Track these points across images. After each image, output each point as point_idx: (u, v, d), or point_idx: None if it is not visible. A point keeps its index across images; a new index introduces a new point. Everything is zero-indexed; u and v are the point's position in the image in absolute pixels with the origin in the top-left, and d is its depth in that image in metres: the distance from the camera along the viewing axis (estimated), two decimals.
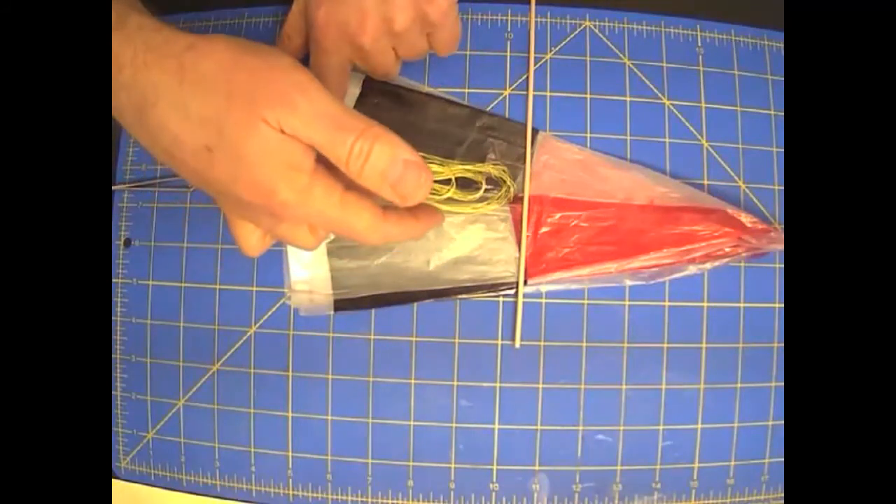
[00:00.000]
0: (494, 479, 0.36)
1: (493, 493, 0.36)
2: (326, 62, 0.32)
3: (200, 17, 0.40)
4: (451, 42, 0.33)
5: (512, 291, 0.36)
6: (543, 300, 0.36)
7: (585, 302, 0.36)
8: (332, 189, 0.25)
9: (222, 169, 0.24)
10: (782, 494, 0.36)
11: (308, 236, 0.28)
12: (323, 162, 0.25)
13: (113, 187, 0.39)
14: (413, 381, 0.36)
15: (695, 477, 0.36)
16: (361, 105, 0.37)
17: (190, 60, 0.24)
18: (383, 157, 0.24)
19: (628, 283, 0.36)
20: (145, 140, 0.26)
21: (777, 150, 0.37)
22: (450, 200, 0.35)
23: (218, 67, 0.24)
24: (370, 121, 0.25)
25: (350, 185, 0.26)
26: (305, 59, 0.33)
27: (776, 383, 0.36)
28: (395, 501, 0.36)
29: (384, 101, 0.37)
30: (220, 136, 0.24)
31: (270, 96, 0.23)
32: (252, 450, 0.37)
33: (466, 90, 0.37)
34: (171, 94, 0.23)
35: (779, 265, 0.37)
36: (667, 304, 0.36)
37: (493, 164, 0.36)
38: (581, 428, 0.36)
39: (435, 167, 0.36)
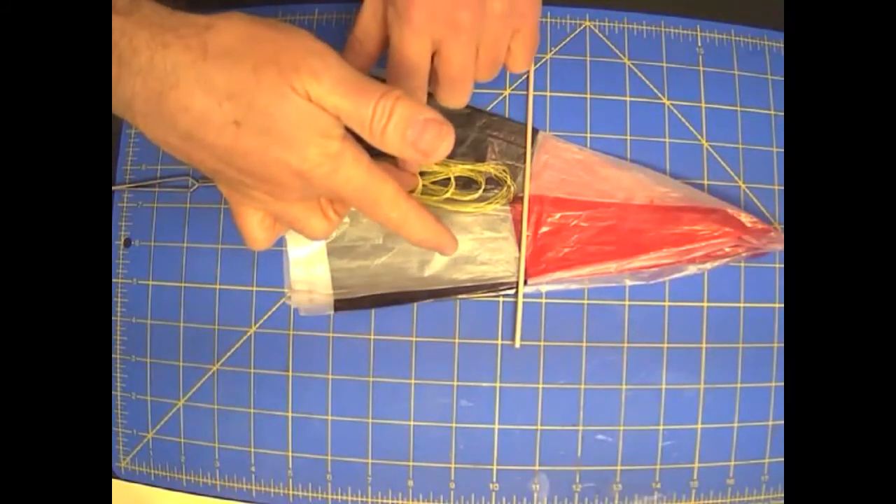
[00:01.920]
0: (494, 479, 0.36)
1: (493, 493, 0.36)
2: (410, 44, 0.29)
3: None
4: (531, 47, 0.32)
5: (512, 291, 0.36)
6: (543, 300, 0.36)
7: (585, 302, 0.36)
8: (361, 156, 0.26)
9: (250, 142, 0.24)
10: (782, 494, 0.36)
11: (320, 221, 0.29)
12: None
13: (113, 187, 0.39)
14: (413, 381, 0.36)
15: (695, 477, 0.36)
16: None
17: (212, 37, 0.24)
18: (404, 116, 0.25)
19: (628, 283, 0.36)
20: (159, 129, 0.25)
21: (777, 150, 0.37)
22: (450, 200, 0.36)
23: (240, 40, 0.24)
24: (388, 86, 0.25)
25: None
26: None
27: (776, 383, 0.36)
28: (395, 501, 0.36)
29: None
30: (250, 108, 0.23)
31: (294, 65, 0.24)
32: (252, 450, 0.37)
33: None
34: (195, 71, 0.23)
35: (779, 265, 0.37)
36: (667, 304, 0.36)
37: (494, 164, 0.36)
38: (581, 428, 0.36)
39: (435, 167, 0.36)
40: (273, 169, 0.25)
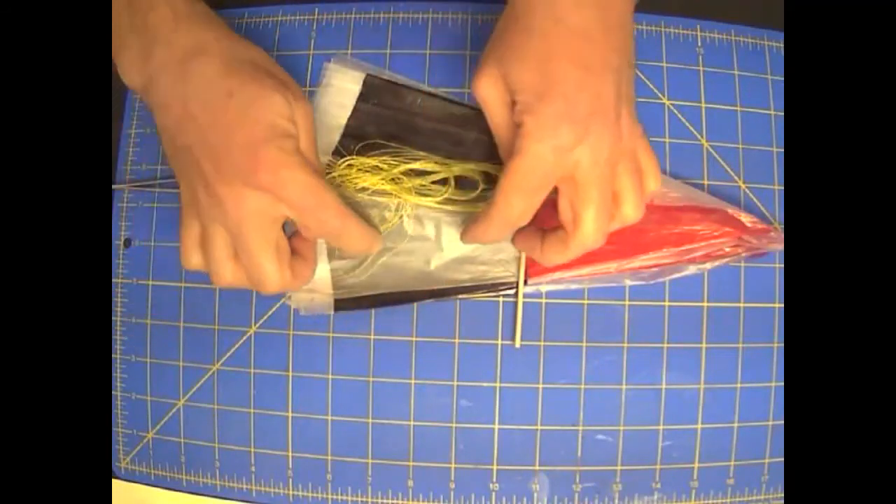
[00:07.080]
0: (494, 479, 0.36)
1: (493, 493, 0.36)
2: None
3: None
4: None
5: (512, 291, 0.36)
6: (543, 300, 0.36)
7: (585, 302, 0.36)
8: (310, 168, 0.28)
9: (234, 114, 0.27)
10: (782, 494, 0.36)
11: (273, 265, 0.29)
12: None
13: (113, 187, 0.39)
14: (413, 381, 0.36)
15: (695, 477, 0.36)
16: (362, 104, 0.37)
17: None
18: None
19: (628, 283, 0.36)
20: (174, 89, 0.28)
21: (777, 150, 0.37)
22: (449, 200, 0.36)
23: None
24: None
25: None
26: None
27: (776, 383, 0.36)
28: (395, 501, 0.36)
29: (384, 100, 0.37)
30: (242, 86, 0.28)
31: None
32: (252, 450, 0.37)
33: (466, 90, 0.37)
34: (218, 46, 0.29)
35: (779, 265, 0.37)
36: (667, 304, 0.36)
37: (493, 164, 0.36)
38: (581, 428, 0.36)
39: (434, 167, 0.36)
40: (234, 153, 0.27)
